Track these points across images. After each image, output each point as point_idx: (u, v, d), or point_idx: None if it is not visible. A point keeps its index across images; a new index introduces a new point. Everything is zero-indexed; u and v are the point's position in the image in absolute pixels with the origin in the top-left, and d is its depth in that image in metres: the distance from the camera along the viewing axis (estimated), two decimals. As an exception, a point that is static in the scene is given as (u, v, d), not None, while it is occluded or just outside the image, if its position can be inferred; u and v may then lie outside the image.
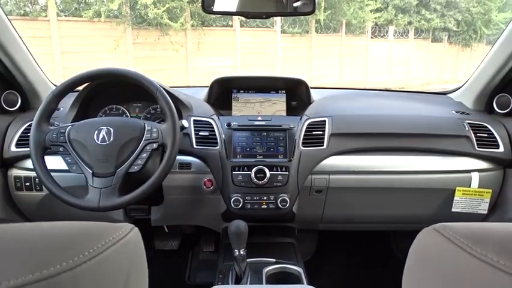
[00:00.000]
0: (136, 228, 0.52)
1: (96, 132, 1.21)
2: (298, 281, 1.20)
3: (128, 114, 1.58)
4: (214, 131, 1.45)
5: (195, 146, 1.41)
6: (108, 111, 1.57)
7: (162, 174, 1.19)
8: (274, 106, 1.62)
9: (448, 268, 0.40)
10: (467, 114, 1.59)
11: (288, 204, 1.38)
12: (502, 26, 11.32)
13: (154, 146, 1.22)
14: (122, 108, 1.58)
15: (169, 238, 2.02)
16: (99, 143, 1.20)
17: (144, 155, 1.21)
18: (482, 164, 1.47)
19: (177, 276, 1.93)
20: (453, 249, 0.40)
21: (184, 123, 1.33)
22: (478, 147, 1.46)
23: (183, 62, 8.29)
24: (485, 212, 1.49)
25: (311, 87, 1.64)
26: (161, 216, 1.51)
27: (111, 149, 1.20)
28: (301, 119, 1.51)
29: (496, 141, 1.48)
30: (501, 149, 1.47)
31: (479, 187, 1.47)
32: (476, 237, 0.40)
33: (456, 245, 0.40)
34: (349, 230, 1.80)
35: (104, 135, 1.21)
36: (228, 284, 1.19)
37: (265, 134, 1.47)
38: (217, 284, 1.18)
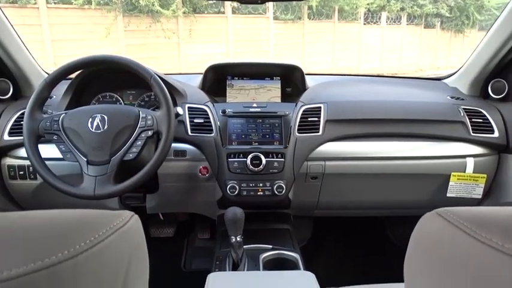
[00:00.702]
0: (136, 216, 0.51)
1: (90, 120, 1.20)
2: (295, 266, 1.21)
3: (121, 101, 1.56)
4: (209, 118, 1.44)
5: (190, 133, 1.41)
6: (101, 99, 1.55)
7: (158, 162, 1.19)
8: (269, 93, 1.61)
9: (452, 253, 0.40)
10: (462, 99, 1.60)
11: (284, 191, 1.38)
12: (494, 11, 11.31)
13: (149, 133, 1.21)
14: (116, 95, 1.56)
15: (165, 226, 2.02)
16: (93, 130, 1.19)
17: (139, 142, 1.20)
18: (477, 149, 1.48)
19: (173, 264, 1.93)
20: (457, 233, 0.40)
21: (179, 110, 1.32)
22: (473, 133, 1.47)
23: (175, 50, 8.21)
24: (480, 197, 1.50)
25: (306, 74, 1.63)
26: (157, 204, 1.50)
27: (105, 136, 1.19)
28: (296, 105, 1.50)
29: (491, 126, 1.49)
30: (496, 134, 1.48)
31: (474, 172, 1.48)
32: (480, 221, 0.39)
33: (460, 229, 0.39)
34: (344, 216, 1.81)
35: (98, 123, 1.20)
36: (225, 270, 1.19)
37: (260, 120, 1.46)
38: (214, 271, 1.18)
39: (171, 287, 0.86)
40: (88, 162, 1.18)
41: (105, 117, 1.21)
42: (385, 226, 2.10)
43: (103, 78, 1.51)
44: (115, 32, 7.47)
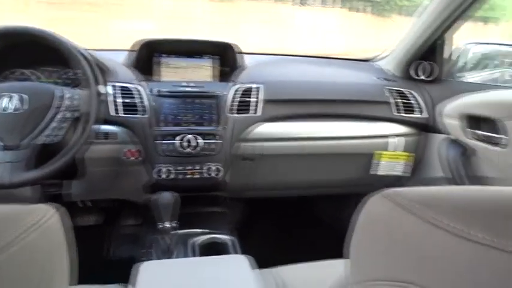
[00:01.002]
0: (58, 212, 0.45)
1: (5, 99, 1.07)
2: (231, 250, 1.19)
3: (36, 78, 1.41)
4: (138, 97, 1.35)
5: (118, 114, 1.31)
6: (10, 76, 1.38)
7: (82, 145, 1.09)
8: (205, 71, 1.54)
9: (400, 234, 0.39)
10: (390, 80, 1.65)
11: (220, 173, 1.35)
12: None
13: (72, 114, 1.11)
14: (28, 72, 1.40)
15: (90, 213, 1.90)
16: (8, 111, 1.06)
17: (61, 124, 1.10)
18: (403, 129, 1.55)
19: (99, 253, 1.83)
20: (404, 214, 0.39)
21: (106, 89, 1.22)
22: (399, 113, 1.52)
23: (101, 25, 7.77)
24: (403, 174, 1.58)
25: (243, 53, 1.59)
26: (82, 190, 1.40)
27: (22, 118, 1.07)
28: (233, 85, 1.46)
29: (417, 106, 1.55)
30: (421, 114, 1.54)
31: (399, 151, 1.54)
32: (427, 201, 0.39)
33: (408, 210, 0.39)
34: (278, 196, 1.82)
35: (14, 102, 1.07)
36: (154, 258, 1.14)
37: (194, 100, 1.40)
38: (142, 259, 1.12)
39: (96, 278, 0.80)
40: (1, 147, 1.05)
41: (23, 96, 1.08)
42: (316, 205, 2.15)
43: (16, 53, 1.35)
44: (36, 3, 6.91)
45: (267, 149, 1.44)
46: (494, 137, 1.28)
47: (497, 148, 1.26)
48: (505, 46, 2.07)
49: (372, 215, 0.44)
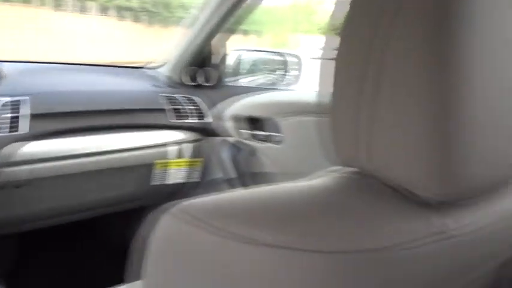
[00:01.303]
0: None
1: None
2: None
3: None
4: None
5: None
6: None
7: None
8: None
9: (195, 251, 0.37)
10: (166, 87, 1.65)
11: None
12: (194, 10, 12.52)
13: None
14: None
15: None
16: None
17: None
18: (184, 135, 1.55)
19: None
20: (195, 231, 0.37)
21: None
22: (179, 119, 1.52)
23: None
24: (192, 180, 1.59)
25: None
26: None
27: None
28: None
29: (197, 111, 1.58)
30: (203, 119, 1.58)
31: (184, 157, 1.54)
32: (216, 212, 0.37)
33: (197, 226, 0.36)
34: (57, 224, 1.60)
35: None
36: None
37: None
38: None
39: None
40: None
41: None
42: (101, 227, 1.98)
43: None
44: None
45: (36, 172, 1.23)
46: (270, 135, 1.39)
47: (273, 145, 1.38)
48: (267, 53, 2.32)
49: (163, 235, 0.40)
